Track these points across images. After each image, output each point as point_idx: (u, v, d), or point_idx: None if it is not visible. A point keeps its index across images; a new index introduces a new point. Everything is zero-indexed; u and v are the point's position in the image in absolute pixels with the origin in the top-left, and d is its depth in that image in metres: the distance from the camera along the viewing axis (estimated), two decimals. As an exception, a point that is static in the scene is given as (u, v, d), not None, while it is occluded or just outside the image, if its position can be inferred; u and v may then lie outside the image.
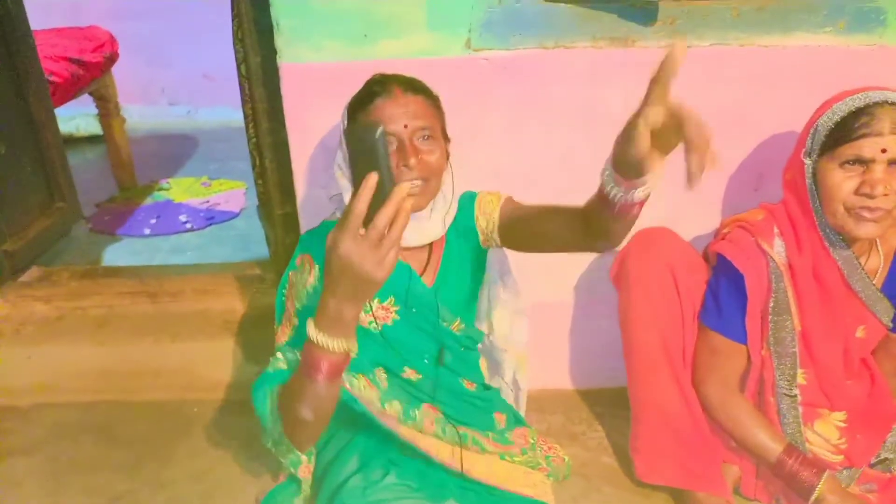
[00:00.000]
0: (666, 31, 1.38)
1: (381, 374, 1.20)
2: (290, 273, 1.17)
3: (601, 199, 0.88)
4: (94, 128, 3.62)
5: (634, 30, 1.39)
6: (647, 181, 0.81)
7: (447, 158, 1.16)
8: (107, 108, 3.15)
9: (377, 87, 1.09)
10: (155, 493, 1.46)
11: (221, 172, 3.52)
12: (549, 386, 1.67)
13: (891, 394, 1.30)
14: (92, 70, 2.84)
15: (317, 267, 1.14)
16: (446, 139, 1.17)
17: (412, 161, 1.04)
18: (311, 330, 0.85)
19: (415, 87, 1.11)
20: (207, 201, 3.14)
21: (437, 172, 1.11)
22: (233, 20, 1.79)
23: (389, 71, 1.17)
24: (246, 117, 1.95)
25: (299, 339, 1.09)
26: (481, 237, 1.24)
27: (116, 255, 2.63)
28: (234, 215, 3.01)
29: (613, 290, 1.41)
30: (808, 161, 1.19)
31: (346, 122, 1.14)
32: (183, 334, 1.73)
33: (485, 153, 1.45)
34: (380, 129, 0.74)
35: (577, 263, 1.62)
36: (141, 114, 4.30)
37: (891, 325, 1.28)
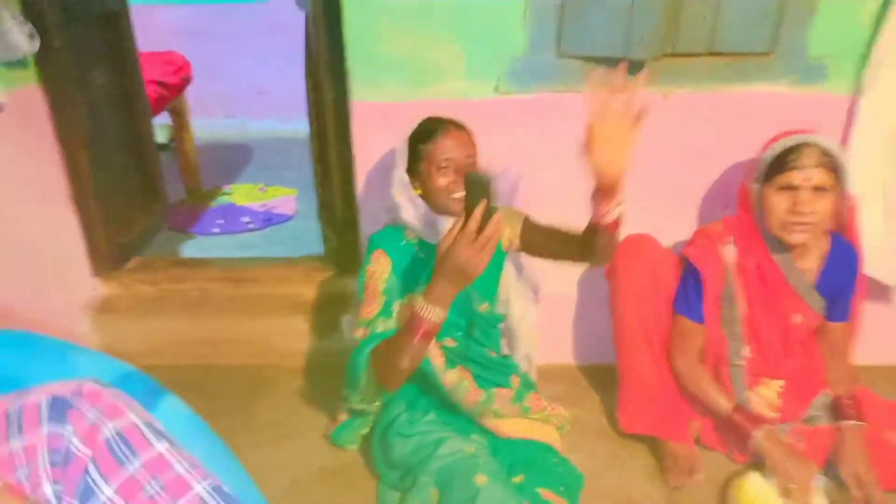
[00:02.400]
0: (653, 81, 1.76)
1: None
2: (369, 265, 1.53)
3: (589, 223, 1.28)
4: (160, 137, 4.08)
5: (627, 79, 1.76)
6: (615, 207, 1.22)
7: None
8: (180, 122, 3.61)
9: (435, 125, 1.48)
10: (240, 435, 1.85)
11: (275, 180, 3.95)
12: (555, 361, 2.05)
13: (821, 368, 1.66)
14: (172, 91, 3.30)
15: (390, 260, 1.52)
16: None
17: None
18: (420, 303, 1.25)
19: (461, 126, 1.50)
20: (265, 205, 3.57)
21: None
22: (306, 60, 2.22)
23: (435, 108, 1.57)
24: (312, 136, 2.37)
25: (388, 312, 1.47)
26: (504, 243, 1.62)
27: (192, 250, 3.07)
28: (289, 218, 3.44)
29: (607, 285, 1.79)
30: (755, 186, 1.56)
31: (406, 152, 1.52)
32: (261, 313, 2.15)
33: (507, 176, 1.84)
34: (491, 176, 1.14)
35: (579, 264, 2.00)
36: (200, 125, 4.78)
37: (823, 314, 1.63)
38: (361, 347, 1.44)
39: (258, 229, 3.30)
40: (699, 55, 1.74)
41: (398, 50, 1.75)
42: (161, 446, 0.51)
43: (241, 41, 4.85)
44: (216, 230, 3.26)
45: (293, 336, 2.12)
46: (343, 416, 1.75)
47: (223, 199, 3.66)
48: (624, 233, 1.76)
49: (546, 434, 1.66)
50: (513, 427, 1.62)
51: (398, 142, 1.58)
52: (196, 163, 3.72)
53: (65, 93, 2.00)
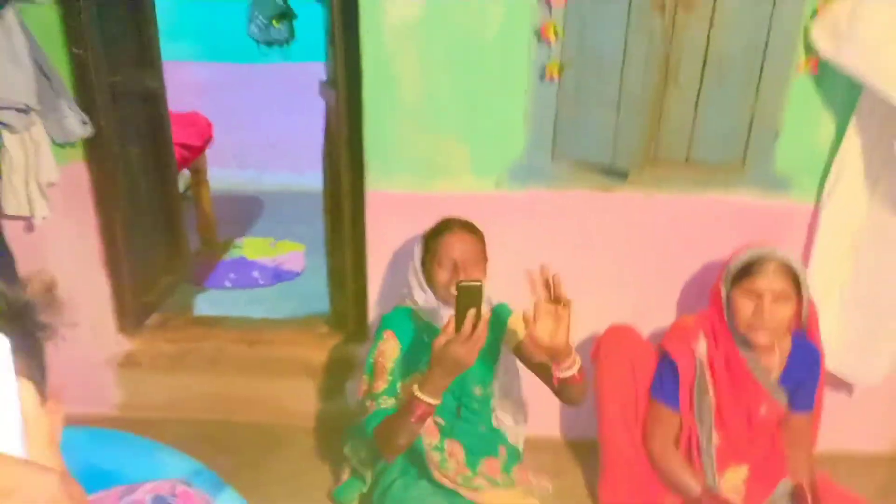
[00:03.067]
0: (635, 184, 1.97)
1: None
2: (380, 343, 1.70)
3: (552, 380, 1.51)
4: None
5: (612, 182, 1.98)
6: (568, 367, 1.45)
7: (485, 272, 1.73)
8: (198, 178, 3.83)
9: (444, 226, 1.66)
10: (250, 491, 2.00)
11: (285, 234, 4.14)
12: (541, 433, 2.21)
13: (783, 456, 1.82)
14: (194, 151, 3.53)
15: (399, 342, 1.70)
16: (485, 259, 1.73)
17: (462, 279, 1.60)
18: (417, 390, 1.42)
19: (469, 228, 1.67)
20: (274, 260, 3.76)
21: None
22: (325, 148, 2.44)
23: (442, 200, 1.77)
24: (326, 214, 2.57)
25: (393, 391, 1.64)
26: (504, 339, 1.79)
27: (205, 302, 3.25)
28: (297, 274, 3.62)
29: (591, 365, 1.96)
30: (724, 288, 1.75)
31: (421, 246, 1.71)
32: (272, 373, 2.32)
33: (507, 264, 2.03)
34: (481, 283, 1.33)
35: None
36: (214, 175, 5.00)
37: (785, 406, 1.81)
38: (369, 422, 1.61)
39: (267, 285, 3.49)
40: (678, 163, 1.96)
41: (412, 147, 1.96)
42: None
43: (259, 97, 5.11)
44: (228, 284, 3.45)
45: (302, 397, 2.28)
46: (345, 476, 1.91)
47: (235, 253, 3.85)
48: (609, 320, 1.97)
49: (526, 505, 1.81)
50: (496, 498, 1.77)
51: (407, 228, 1.78)
52: (212, 216, 3.93)
53: (106, 167, 2.21)
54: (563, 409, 2.26)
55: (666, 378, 1.81)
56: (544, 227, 2.04)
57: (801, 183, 1.96)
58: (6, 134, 1.91)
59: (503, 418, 1.94)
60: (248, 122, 5.13)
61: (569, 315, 1.40)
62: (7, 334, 0.42)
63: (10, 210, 2.00)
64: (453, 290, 1.59)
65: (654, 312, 2.08)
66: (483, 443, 1.83)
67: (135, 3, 2.40)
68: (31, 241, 2.13)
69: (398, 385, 1.67)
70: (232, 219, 4.36)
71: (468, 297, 1.34)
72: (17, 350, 0.43)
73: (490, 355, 1.76)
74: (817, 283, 1.88)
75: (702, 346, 1.79)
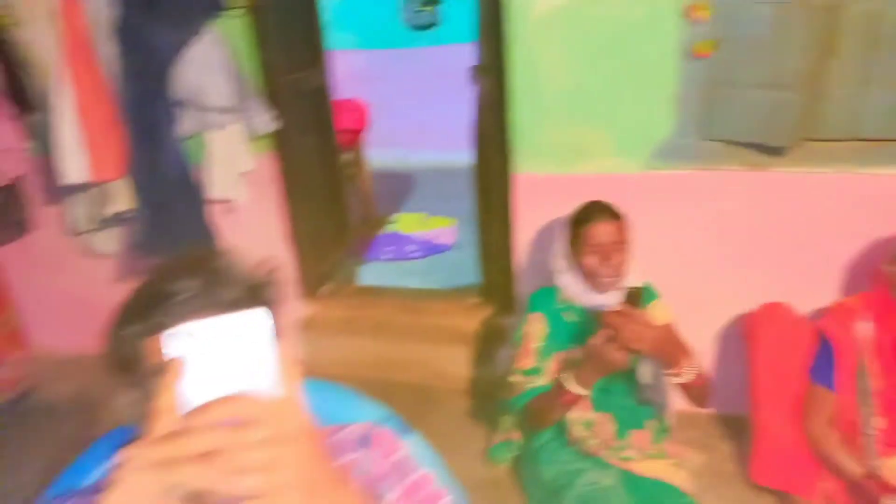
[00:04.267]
0: (792, 161, 1.91)
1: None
2: (526, 324, 1.83)
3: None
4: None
5: (767, 159, 1.93)
6: (681, 373, 1.50)
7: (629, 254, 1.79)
8: (357, 159, 4.17)
9: (591, 213, 1.72)
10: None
11: (435, 209, 4.39)
12: (691, 408, 2.23)
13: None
14: (355, 135, 3.85)
15: (544, 324, 1.82)
16: (629, 241, 1.79)
17: (609, 264, 1.67)
18: (571, 382, 1.56)
19: (614, 214, 1.71)
20: (427, 234, 4.02)
21: (623, 270, 1.71)
22: (474, 129, 2.58)
23: (587, 181, 1.84)
24: (476, 190, 2.73)
25: (540, 370, 1.77)
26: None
27: (367, 273, 3.57)
28: (448, 248, 3.85)
29: (742, 342, 1.96)
30: (891, 268, 1.67)
31: (566, 228, 1.81)
32: (429, 340, 2.55)
33: (652, 244, 2.06)
34: (643, 287, 1.45)
35: (719, 321, 2.18)
36: (369, 155, 5.39)
37: (962, 392, 1.69)
38: (519, 399, 1.77)
39: (421, 257, 3.75)
40: (839, 139, 1.87)
41: (557, 130, 2.05)
42: (422, 470, 0.85)
43: (410, 80, 5.39)
44: (386, 257, 3.75)
45: (456, 362, 2.49)
46: (499, 438, 2.08)
47: (391, 228, 4.16)
48: (762, 299, 1.94)
49: (677, 477, 1.87)
50: (646, 467, 1.85)
51: (553, 208, 1.87)
52: (371, 194, 4.26)
53: (288, 156, 2.53)
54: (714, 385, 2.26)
55: (824, 359, 1.77)
56: (692, 207, 2.04)
57: None
58: (212, 131, 2.26)
59: (652, 392, 2.00)
60: (401, 104, 5.43)
61: (651, 332, 1.45)
62: (256, 305, 0.55)
63: (214, 194, 2.38)
64: (603, 279, 1.69)
65: (811, 293, 2.01)
66: (632, 415, 1.90)
67: (306, 8, 2.69)
68: (230, 221, 2.50)
69: (545, 365, 1.81)
70: (387, 196, 4.69)
71: (632, 299, 1.42)
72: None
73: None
74: None
75: (866, 328, 1.73)
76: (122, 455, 0.49)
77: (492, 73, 2.21)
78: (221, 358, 0.51)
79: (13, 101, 2.34)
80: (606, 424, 1.87)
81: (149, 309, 0.66)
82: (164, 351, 0.52)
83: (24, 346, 2.65)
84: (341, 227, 3.11)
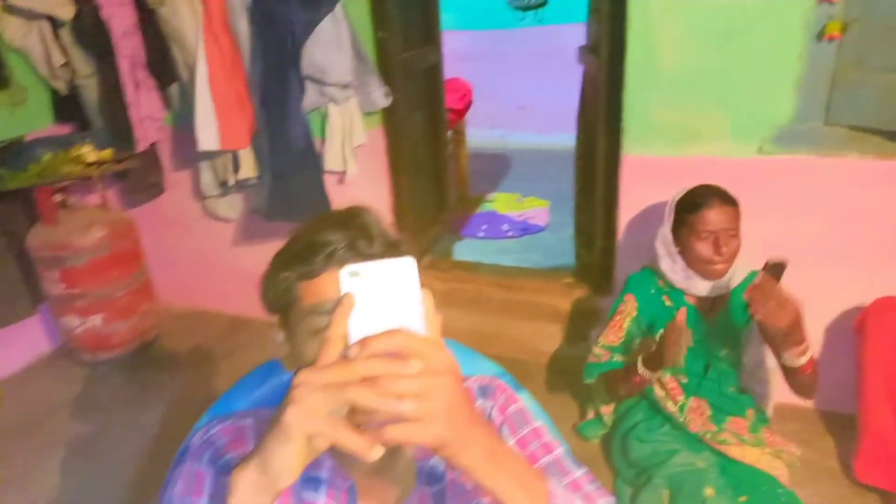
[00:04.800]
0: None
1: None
2: (621, 303, 1.87)
3: (782, 365, 1.54)
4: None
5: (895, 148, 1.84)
6: (798, 355, 1.46)
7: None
8: (458, 139, 4.25)
9: (702, 198, 1.68)
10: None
11: (530, 191, 4.43)
12: (792, 401, 2.16)
13: None
14: (457, 115, 3.93)
15: (638, 305, 1.84)
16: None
17: (723, 251, 1.65)
18: (641, 366, 1.62)
19: (727, 199, 1.67)
20: (522, 215, 4.06)
21: (734, 257, 1.69)
22: (580, 114, 2.59)
23: (698, 165, 1.82)
24: (577, 175, 2.74)
25: (624, 348, 1.81)
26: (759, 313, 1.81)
27: (461, 250, 3.67)
28: (542, 229, 3.88)
29: (852, 336, 1.89)
30: None
31: (672, 213, 1.79)
32: (524, 316, 2.60)
33: (764, 231, 2.01)
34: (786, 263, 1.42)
35: (828, 314, 2.10)
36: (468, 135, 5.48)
37: None
38: (596, 366, 1.83)
39: (515, 237, 3.80)
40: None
41: (670, 113, 2.03)
42: (537, 422, 0.91)
43: (512, 61, 5.41)
44: (481, 234, 3.83)
45: (549, 339, 2.54)
46: (590, 415, 2.12)
47: (487, 207, 4.22)
48: (877, 293, 1.87)
49: (774, 467, 1.84)
50: (742, 453, 1.83)
51: (660, 191, 1.86)
52: (467, 174, 4.34)
53: (397, 132, 2.63)
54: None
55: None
56: (808, 195, 1.97)
57: None
58: (331, 105, 2.40)
59: (752, 383, 1.97)
60: (501, 85, 5.46)
61: (793, 305, 1.42)
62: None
63: (328, 166, 2.52)
64: (716, 265, 1.67)
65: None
66: (730, 403, 1.88)
67: (422, -13, 2.77)
68: (340, 191, 2.65)
69: (628, 344, 1.83)
70: (483, 175, 4.76)
71: (775, 273, 1.41)
72: None
73: (739, 321, 1.81)
74: None
75: None
76: (297, 378, 0.57)
77: (602, 53, 2.21)
78: (381, 298, 0.58)
79: (154, 74, 2.57)
80: (702, 410, 1.86)
81: (301, 257, 0.74)
82: (338, 287, 0.59)
83: (153, 300, 2.92)
84: (441, 203, 3.21)
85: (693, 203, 1.70)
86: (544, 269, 2.93)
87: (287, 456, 0.56)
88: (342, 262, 0.71)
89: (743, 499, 1.68)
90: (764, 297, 1.41)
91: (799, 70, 1.84)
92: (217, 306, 3.17)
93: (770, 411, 2.00)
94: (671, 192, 1.80)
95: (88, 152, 2.57)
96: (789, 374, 1.61)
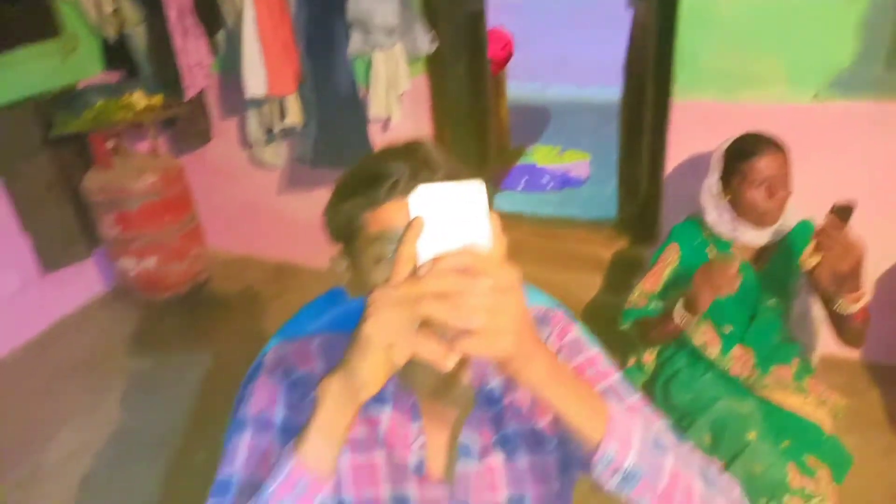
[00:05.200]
0: None
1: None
2: (664, 252, 1.84)
3: (832, 313, 1.50)
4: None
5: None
6: (853, 301, 1.43)
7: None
8: (497, 90, 4.19)
9: (753, 146, 1.65)
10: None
11: (570, 143, 4.36)
12: (838, 353, 2.16)
13: None
14: (499, 65, 3.87)
15: (680, 255, 1.82)
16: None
17: (775, 199, 1.62)
18: (680, 308, 1.60)
19: (778, 146, 1.64)
20: (561, 167, 4.02)
21: (785, 205, 1.66)
22: (628, 58, 2.54)
23: (751, 111, 1.78)
24: (622, 123, 2.71)
25: (663, 296, 1.81)
26: (802, 258, 1.78)
27: (501, 202, 3.66)
28: (582, 182, 3.84)
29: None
30: None
31: (721, 162, 1.75)
32: (564, 265, 2.62)
33: (817, 178, 1.96)
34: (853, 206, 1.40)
35: (881, 266, 2.06)
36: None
37: None
38: (633, 312, 1.84)
39: (555, 189, 3.77)
40: None
41: (723, 58, 1.98)
42: (593, 350, 0.94)
43: (550, 11, 5.26)
44: (521, 187, 3.82)
45: (589, 289, 2.55)
46: (631, 362, 2.14)
47: (526, 159, 4.19)
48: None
49: (818, 415, 1.84)
50: (785, 400, 1.84)
51: (710, 138, 1.83)
52: (507, 126, 4.29)
53: (440, 80, 2.62)
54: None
55: None
56: (866, 143, 1.92)
57: None
58: (376, 52, 2.39)
59: (798, 332, 1.96)
60: (542, 35, 5.32)
61: (858, 250, 1.39)
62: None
63: (373, 113, 2.53)
64: (766, 212, 1.65)
65: None
66: (775, 351, 1.87)
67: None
68: (384, 139, 2.66)
69: (667, 292, 1.82)
70: (522, 128, 4.70)
71: (842, 216, 1.40)
72: None
73: (787, 271, 1.79)
74: None
75: None
76: (372, 295, 0.59)
77: (655, -3, 2.15)
78: (450, 219, 0.60)
79: (202, 21, 2.59)
80: (747, 358, 1.86)
81: (365, 188, 0.76)
82: (402, 216, 0.61)
83: (203, 244, 3.01)
84: (482, 153, 3.20)
85: (744, 151, 1.67)
86: (584, 220, 2.91)
87: (369, 367, 0.60)
88: (405, 193, 0.73)
89: (785, 444, 1.70)
90: (829, 240, 1.39)
91: (860, 10, 1.77)
92: (263, 253, 3.25)
93: (815, 361, 1.99)
94: (721, 140, 1.76)
95: (139, 99, 2.63)
96: (839, 321, 1.59)
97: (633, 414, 0.72)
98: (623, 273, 2.51)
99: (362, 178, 0.77)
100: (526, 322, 0.62)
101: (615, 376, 0.87)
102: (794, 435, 1.72)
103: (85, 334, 2.87)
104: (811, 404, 1.84)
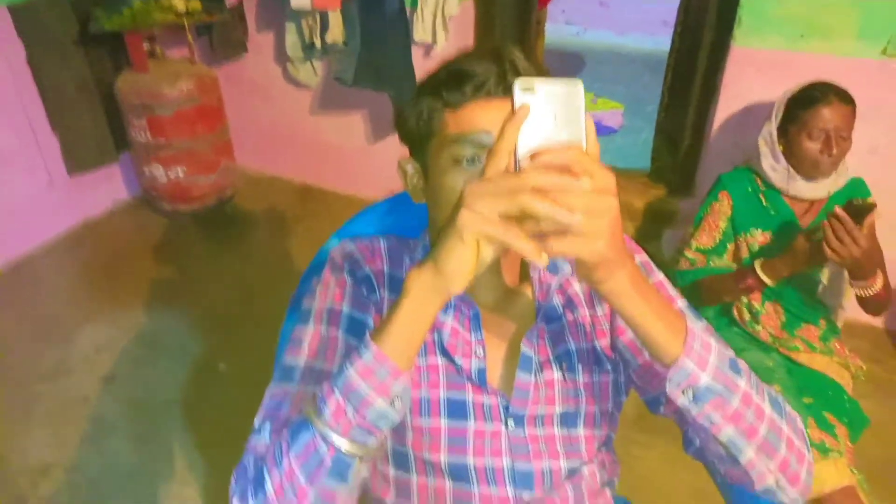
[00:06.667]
0: None
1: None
2: (714, 202, 1.78)
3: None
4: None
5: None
6: (865, 287, 1.45)
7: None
8: (537, 29, 4.06)
9: (819, 94, 1.59)
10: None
11: (604, 92, 4.27)
12: (863, 319, 2.16)
13: None
14: (539, 4, 3.74)
15: (734, 204, 1.76)
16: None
17: (834, 152, 1.57)
18: (760, 268, 1.57)
19: (845, 98, 1.59)
20: (595, 115, 3.94)
21: (839, 160, 1.62)
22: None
23: (814, 62, 1.71)
24: (669, 67, 2.62)
25: (722, 250, 1.77)
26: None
27: (532, 144, 3.61)
28: (614, 131, 3.77)
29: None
30: None
31: (782, 110, 1.70)
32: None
33: (877, 136, 1.91)
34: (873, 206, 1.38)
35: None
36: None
37: None
38: (691, 273, 1.78)
39: (587, 137, 3.70)
40: None
41: (792, 4, 1.90)
42: (661, 275, 0.92)
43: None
44: (552, 133, 3.74)
45: (620, 236, 2.53)
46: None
47: (559, 104, 4.10)
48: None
49: (841, 376, 1.85)
50: (811, 359, 1.84)
51: (765, 87, 1.78)
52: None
53: (487, 8, 2.54)
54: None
55: None
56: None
57: None
58: (426, -28, 2.31)
59: (827, 295, 1.95)
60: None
61: (859, 249, 1.39)
62: None
63: (417, 37, 2.46)
64: (822, 163, 1.61)
65: None
66: (805, 310, 1.86)
67: None
68: (425, 65, 2.59)
69: (726, 245, 1.78)
70: (556, 73, 4.52)
71: (855, 213, 1.37)
72: None
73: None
74: None
75: None
76: (467, 186, 0.57)
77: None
78: (550, 115, 0.57)
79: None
80: (775, 315, 1.86)
81: (450, 86, 0.73)
82: (484, 119, 0.58)
83: (232, 158, 2.98)
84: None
85: (809, 98, 1.62)
86: (618, 168, 2.87)
87: (460, 258, 0.58)
88: (490, 95, 0.71)
89: (808, 400, 1.71)
90: (832, 230, 1.40)
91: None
92: (290, 173, 3.23)
93: (840, 324, 1.99)
94: (777, 90, 1.70)
95: (178, 2, 2.56)
96: (862, 302, 1.59)
97: (710, 334, 0.71)
98: (656, 223, 2.48)
99: (447, 76, 0.74)
100: (619, 228, 0.60)
101: (681, 302, 0.86)
102: (817, 393, 1.73)
103: (108, 239, 2.88)
104: (836, 365, 1.85)
